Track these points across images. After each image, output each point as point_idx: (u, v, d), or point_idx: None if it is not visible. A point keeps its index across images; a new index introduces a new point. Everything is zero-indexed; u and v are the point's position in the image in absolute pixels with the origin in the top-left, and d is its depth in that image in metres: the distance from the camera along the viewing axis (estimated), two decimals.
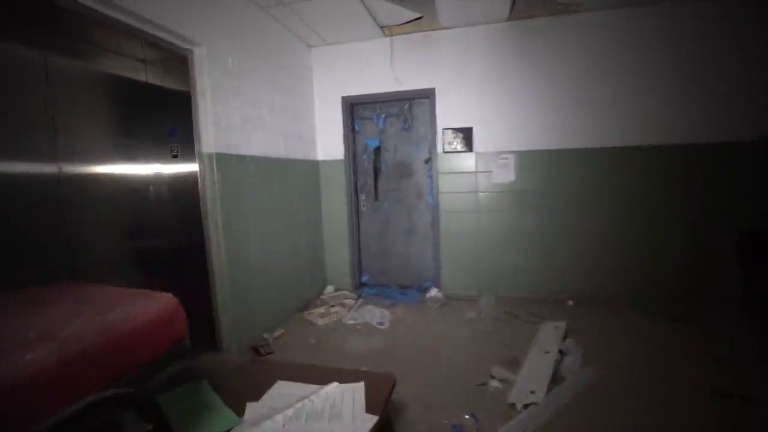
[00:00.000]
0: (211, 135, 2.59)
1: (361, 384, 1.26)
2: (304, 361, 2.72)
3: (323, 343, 3.03)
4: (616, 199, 3.50)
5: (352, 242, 4.23)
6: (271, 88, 3.29)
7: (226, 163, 2.71)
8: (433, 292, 3.96)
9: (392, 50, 3.83)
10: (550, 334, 2.81)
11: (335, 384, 1.27)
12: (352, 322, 3.40)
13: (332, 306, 3.74)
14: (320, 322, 3.42)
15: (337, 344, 3.00)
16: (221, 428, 1.11)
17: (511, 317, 3.34)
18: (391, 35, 3.77)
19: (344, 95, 4.01)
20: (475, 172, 3.77)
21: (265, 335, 3.08)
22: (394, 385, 1.29)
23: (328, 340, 3.09)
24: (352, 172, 4.18)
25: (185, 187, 2.61)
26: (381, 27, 3.54)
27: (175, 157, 2.61)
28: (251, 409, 1.20)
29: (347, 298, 3.94)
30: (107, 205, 2.33)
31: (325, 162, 4.18)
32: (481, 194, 3.78)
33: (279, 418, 1.12)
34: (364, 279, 4.39)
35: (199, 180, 2.60)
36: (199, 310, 2.70)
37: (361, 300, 3.92)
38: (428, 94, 3.80)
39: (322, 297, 4.09)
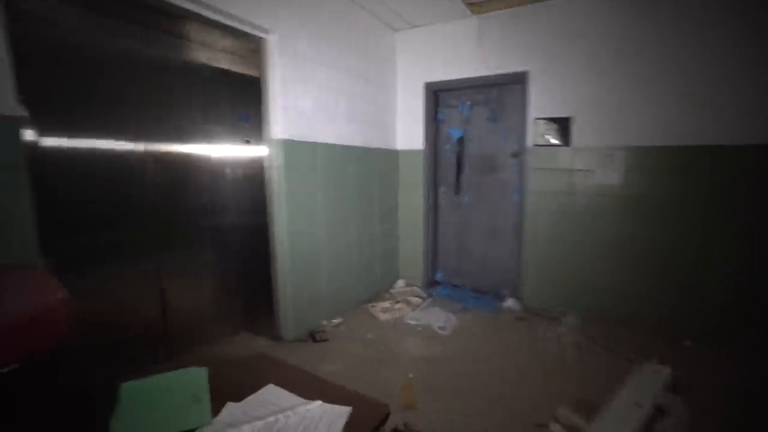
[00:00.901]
0: (279, 122, 2.64)
1: (347, 409, 1.10)
2: (355, 354, 2.66)
3: (378, 340, 2.92)
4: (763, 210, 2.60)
5: (428, 237, 4.03)
6: (349, 75, 3.25)
7: (294, 150, 2.75)
8: (510, 303, 3.54)
9: (480, 30, 3.45)
10: (646, 381, 2.23)
11: (319, 403, 1.14)
12: (413, 322, 3.23)
13: (397, 302, 3.62)
14: (382, 317, 3.33)
15: (391, 343, 2.87)
16: (191, 425, 1.06)
17: (600, 347, 2.78)
18: (480, 13, 3.38)
19: (428, 81, 3.77)
20: (571, 170, 3.20)
21: (324, 322, 3.11)
22: (385, 420, 1.10)
23: (385, 337, 2.98)
24: (432, 164, 3.95)
25: (256, 172, 2.73)
26: (468, 4, 3.20)
27: (247, 143, 2.74)
28: (228, 410, 1.14)
29: (415, 296, 3.77)
30: (187, 183, 2.56)
31: (404, 152, 4.03)
32: (578, 196, 3.20)
33: (246, 428, 1.03)
34: (438, 277, 4.15)
35: (266, 166, 2.69)
36: (260, 289, 2.83)
37: (429, 300, 3.71)
38: (520, 79, 3.33)
39: (391, 290, 4.00)
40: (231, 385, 1.26)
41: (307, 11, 2.79)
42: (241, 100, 2.72)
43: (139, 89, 2.26)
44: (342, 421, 1.04)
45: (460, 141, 3.83)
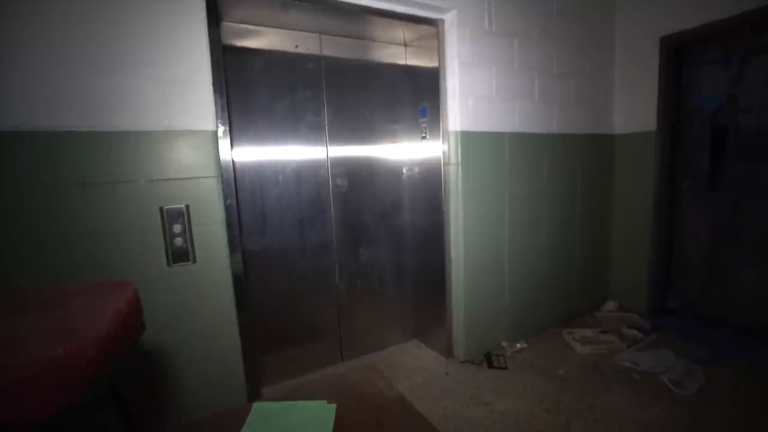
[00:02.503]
0: (457, 112, 2.32)
1: None
2: (538, 395, 2.13)
3: (572, 381, 2.28)
4: None
5: (657, 248, 2.96)
6: (544, 45, 2.62)
7: (473, 142, 2.38)
8: None
9: None
10: None
11: None
12: (627, 364, 2.40)
13: (604, 331, 2.79)
14: (580, 348, 2.62)
15: (591, 390, 2.18)
16: None
17: None
18: None
19: (665, 34, 2.70)
20: None
21: (504, 344, 2.65)
22: None
23: (582, 378, 2.30)
24: (669, 148, 2.86)
25: (431, 169, 2.51)
26: None
27: (424, 138, 2.54)
28: None
29: (632, 326, 2.83)
30: (364, 185, 2.56)
31: (624, 136, 3.06)
32: None
33: None
34: (671, 304, 3.03)
35: (441, 161, 2.42)
36: (434, 294, 2.61)
37: (654, 335, 2.72)
38: None
39: (596, 314, 3.15)
40: None
41: None
42: (418, 95, 2.54)
43: (327, 96, 2.36)
44: None
45: (721, 113, 2.61)
